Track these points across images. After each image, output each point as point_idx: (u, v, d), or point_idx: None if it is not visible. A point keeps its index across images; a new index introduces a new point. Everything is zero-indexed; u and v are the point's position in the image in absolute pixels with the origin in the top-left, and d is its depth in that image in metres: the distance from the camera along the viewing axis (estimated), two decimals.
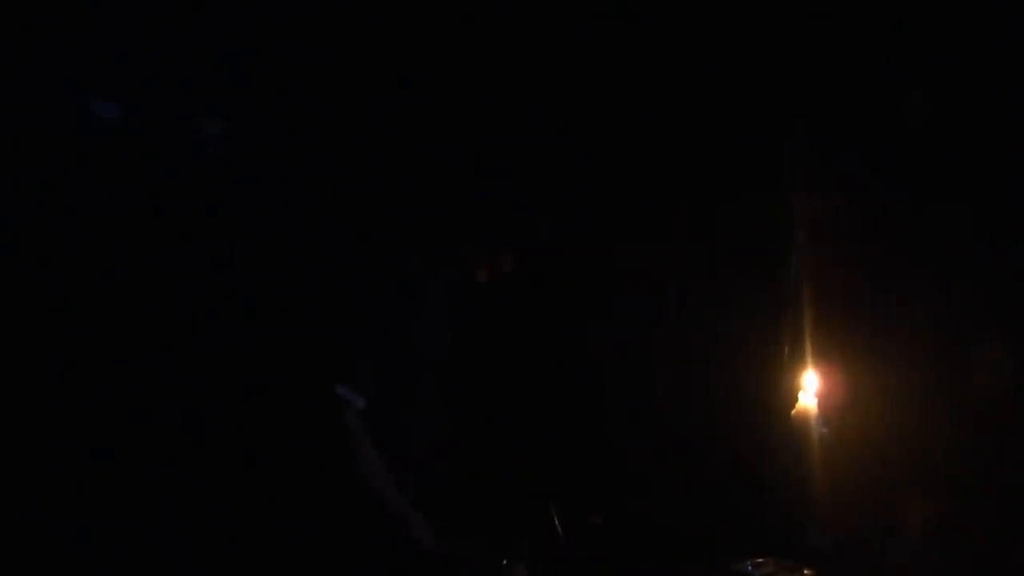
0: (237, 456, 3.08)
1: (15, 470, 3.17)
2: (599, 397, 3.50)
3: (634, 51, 3.61)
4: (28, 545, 3.11)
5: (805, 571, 2.89)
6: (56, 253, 3.38)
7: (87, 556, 3.11)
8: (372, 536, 2.83)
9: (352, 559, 2.84)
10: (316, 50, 3.50)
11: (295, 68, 3.48)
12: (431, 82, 3.42)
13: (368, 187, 3.15)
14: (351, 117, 3.37)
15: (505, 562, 2.86)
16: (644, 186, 3.59)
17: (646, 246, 3.60)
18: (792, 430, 3.01)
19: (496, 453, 3.28)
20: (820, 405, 3.01)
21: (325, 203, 3.22)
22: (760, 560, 2.90)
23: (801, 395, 3.02)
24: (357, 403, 2.85)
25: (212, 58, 3.54)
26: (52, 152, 3.46)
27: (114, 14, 3.53)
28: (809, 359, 3.11)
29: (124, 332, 3.30)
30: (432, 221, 3.04)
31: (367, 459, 2.83)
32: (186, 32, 3.53)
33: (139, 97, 3.53)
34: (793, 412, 3.03)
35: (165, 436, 3.20)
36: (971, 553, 3.01)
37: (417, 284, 2.99)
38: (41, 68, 3.48)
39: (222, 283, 3.30)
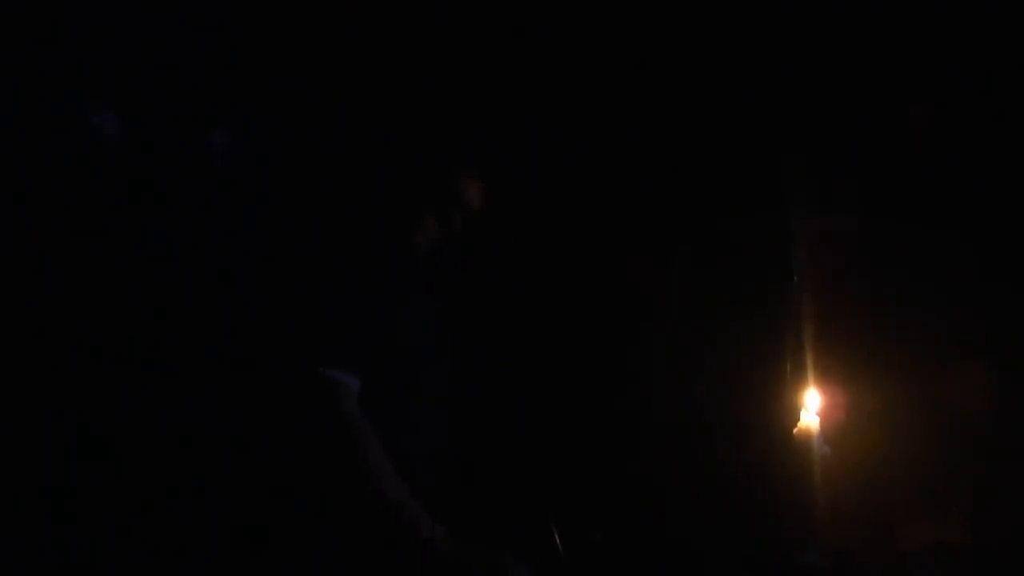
0: (238, 452, 3.04)
1: (14, 470, 3.17)
2: (598, 414, 3.50)
3: (634, 66, 3.62)
4: (28, 545, 3.11)
5: None
6: (58, 265, 3.38)
7: (86, 554, 3.10)
8: (379, 532, 2.76)
9: (359, 556, 2.79)
10: (320, 59, 3.51)
11: (300, 78, 3.49)
12: (436, 88, 3.43)
13: (368, 185, 3.12)
14: (352, 122, 3.37)
15: (511, 564, 2.84)
16: (645, 202, 3.60)
17: (647, 262, 3.60)
18: (793, 448, 3.01)
19: (494, 464, 3.28)
20: (821, 423, 3.01)
21: (326, 201, 3.20)
22: None
23: (802, 413, 3.02)
24: (352, 384, 2.74)
25: (216, 68, 3.54)
26: (53, 165, 3.45)
27: (115, 24, 3.53)
28: (810, 377, 3.11)
29: (125, 337, 3.30)
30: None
31: (370, 449, 2.73)
32: (190, 42, 3.53)
33: (142, 109, 3.53)
34: (794, 430, 3.03)
35: (162, 433, 3.19)
36: (972, 570, 3.01)
37: (415, 287, 2.97)
38: (41, 80, 3.48)
39: (225, 289, 3.29)
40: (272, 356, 2.92)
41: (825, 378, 3.11)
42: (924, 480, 3.19)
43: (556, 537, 3.07)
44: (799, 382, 3.11)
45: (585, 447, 3.45)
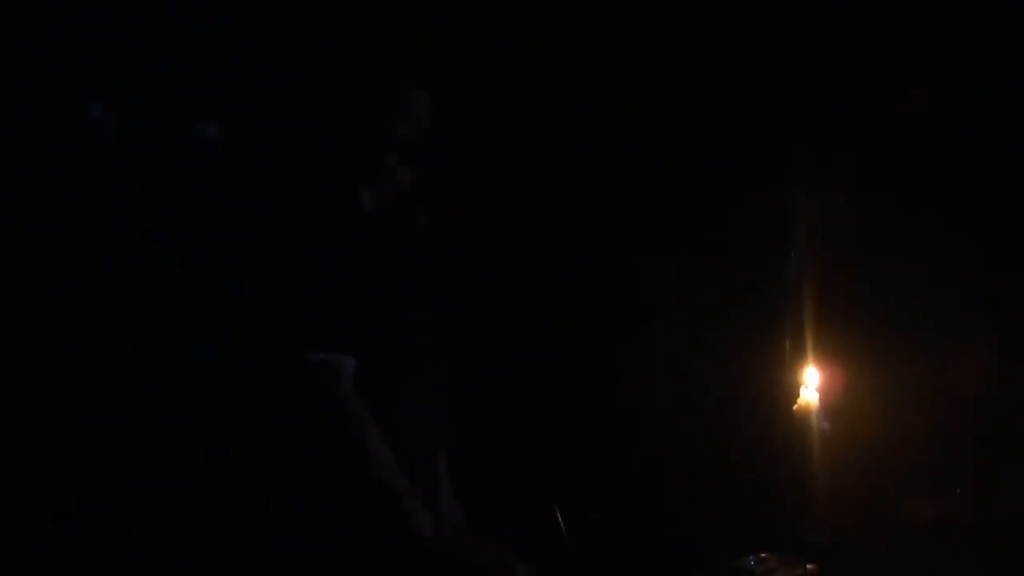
0: (235, 439, 3.03)
1: (15, 471, 3.17)
2: (600, 395, 3.49)
3: (633, 56, 3.64)
4: (28, 546, 3.10)
5: (807, 566, 2.85)
6: (52, 258, 3.39)
7: (84, 552, 3.10)
8: (378, 525, 2.70)
9: (356, 550, 2.72)
10: (310, 52, 3.52)
11: (290, 71, 3.51)
12: (431, 83, 3.44)
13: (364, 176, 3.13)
14: (346, 118, 3.38)
15: (509, 562, 2.80)
16: (645, 188, 3.61)
17: (647, 246, 3.61)
18: (793, 426, 2.99)
19: (496, 451, 3.27)
20: (821, 401, 2.99)
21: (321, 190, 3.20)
22: (762, 556, 2.87)
23: (802, 391, 3.00)
24: (348, 364, 2.67)
25: (208, 61, 3.56)
26: (48, 157, 3.47)
27: (109, 18, 3.56)
28: (810, 356, 3.09)
29: (120, 333, 3.31)
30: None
31: (367, 434, 2.67)
32: (181, 35, 3.56)
33: (135, 101, 3.56)
34: (794, 408, 3.01)
35: (161, 422, 3.19)
36: (970, 550, 2.99)
37: (415, 282, 2.97)
38: (37, 73, 3.50)
39: (221, 283, 3.30)
40: (269, 339, 2.91)
41: (825, 357, 3.09)
42: (923, 457, 3.18)
43: (560, 524, 3.05)
44: (799, 361, 3.10)
45: (586, 429, 3.45)
